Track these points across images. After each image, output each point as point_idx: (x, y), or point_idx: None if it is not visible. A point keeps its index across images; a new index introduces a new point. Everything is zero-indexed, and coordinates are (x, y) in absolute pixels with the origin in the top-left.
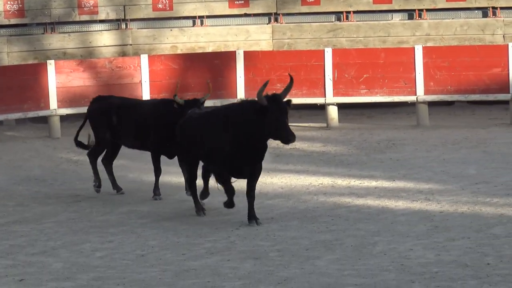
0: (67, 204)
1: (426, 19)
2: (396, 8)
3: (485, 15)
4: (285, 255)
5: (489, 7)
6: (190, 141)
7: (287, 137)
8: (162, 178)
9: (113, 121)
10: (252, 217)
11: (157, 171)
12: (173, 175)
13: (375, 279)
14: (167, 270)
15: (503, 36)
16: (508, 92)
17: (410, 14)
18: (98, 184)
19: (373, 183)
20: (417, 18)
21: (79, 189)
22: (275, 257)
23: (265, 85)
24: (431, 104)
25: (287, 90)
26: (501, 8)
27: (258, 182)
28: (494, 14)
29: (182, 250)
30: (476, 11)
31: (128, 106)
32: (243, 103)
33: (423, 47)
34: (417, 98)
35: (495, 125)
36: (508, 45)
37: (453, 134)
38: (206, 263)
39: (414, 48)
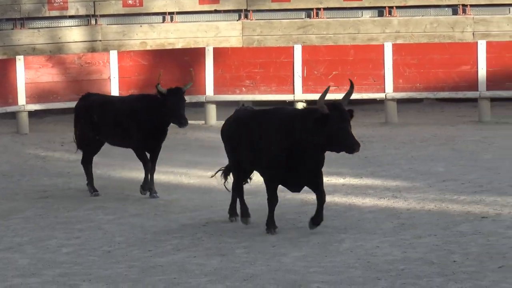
0: (34, 200)
1: (396, 16)
2: (366, 5)
3: (455, 12)
4: (252, 252)
5: (459, 4)
6: (238, 145)
7: (352, 146)
8: (129, 174)
9: (94, 118)
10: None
11: (146, 167)
12: (140, 171)
13: (341, 276)
14: (133, 266)
15: (473, 33)
16: (477, 90)
17: (380, 11)
18: (93, 190)
19: (341, 180)
20: (387, 15)
21: (46, 185)
22: (242, 254)
23: (326, 91)
24: (399, 101)
25: (347, 96)
26: (471, 5)
27: (219, 178)
28: (464, 11)
29: (149, 246)
30: (446, 9)
31: (109, 103)
32: (303, 110)
33: (392, 44)
34: (386, 95)
35: (463, 123)
36: (477, 42)
37: (422, 132)
38: (173, 259)
39: (383, 45)
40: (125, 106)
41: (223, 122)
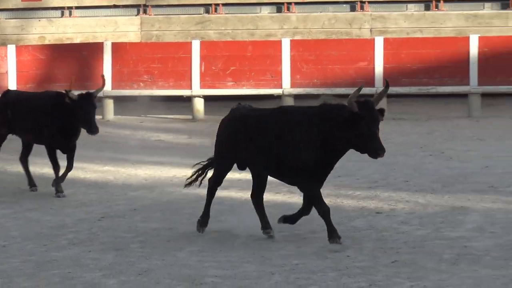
0: None
1: (294, 12)
2: (265, 1)
3: (353, 9)
4: (147, 247)
5: (357, 1)
6: (240, 144)
7: (377, 150)
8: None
9: (8, 114)
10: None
11: (55, 168)
12: (37, 165)
13: (235, 270)
14: (28, 260)
15: (370, 30)
16: (374, 86)
17: (279, 7)
18: (32, 184)
19: (237, 175)
20: (286, 11)
21: None
22: (137, 249)
23: (359, 89)
24: (297, 97)
25: (380, 96)
26: (369, 2)
27: (122, 173)
28: (362, 8)
29: (44, 241)
30: (344, 5)
31: (23, 99)
32: (331, 107)
33: (290, 40)
34: (283, 91)
35: None
36: (374, 39)
37: None
38: (68, 254)
39: (281, 41)
40: (39, 102)
41: (120, 116)
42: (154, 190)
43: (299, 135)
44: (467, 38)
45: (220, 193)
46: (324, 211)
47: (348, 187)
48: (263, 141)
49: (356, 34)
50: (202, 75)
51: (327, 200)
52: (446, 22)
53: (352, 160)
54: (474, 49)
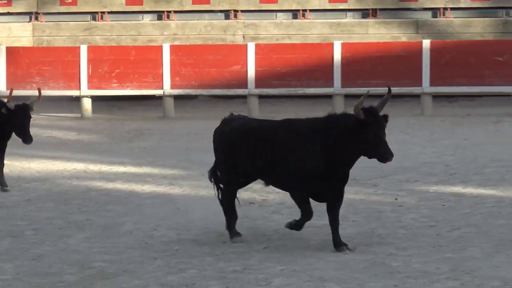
0: None
1: (173, 20)
2: (147, 9)
3: (227, 17)
4: (40, 234)
5: (231, 10)
6: (243, 154)
7: (385, 155)
8: None
9: None
10: (338, 243)
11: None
12: None
13: (121, 256)
14: None
15: (243, 36)
16: (246, 88)
17: (159, 15)
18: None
19: (122, 169)
20: (166, 19)
21: None
22: (31, 236)
23: (364, 96)
24: (176, 97)
25: (384, 102)
26: (242, 11)
27: (16, 166)
28: (236, 16)
29: None
30: (219, 14)
31: None
32: (335, 116)
33: (170, 45)
34: (164, 92)
35: None
36: (247, 44)
37: (196, 125)
38: None
39: (162, 46)
40: None
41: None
42: (46, 182)
43: (305, 148)
44: (331, 44)
45: (106, 184)
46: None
47: None
48: (269, 153)
49: (230, 40)
50: (90, 77)
51: (204, 192)
52: (312, 29)
53: None
54: (337, 55)
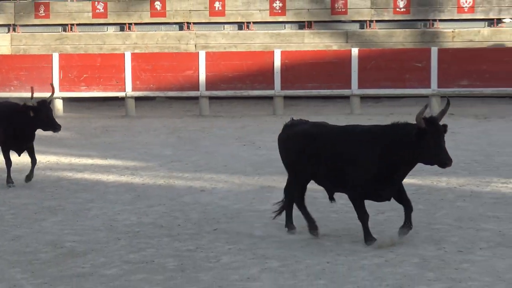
0: None
1: (134, 31)
2: (111, 22)
3: (181, 28)
4: (18, 218)
5: (184, 22)
6: (305, 159)
7: (445, 161)
8: None
9: None
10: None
11: (7, 163)
12: None
13: (89, 237)
14: None
15: (195, 45)
16: (198, 90)
17: (122, 26)
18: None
19: (90, 161)
20: (127, 30)
21: None
22: (10, 219)
23: (425, 107)
24: (137, 98)
25: (443, 113)
26: (194, 23)
27: None
28: (188, 28)
29: None
30: (174, 25)
31: None
32: (397, 125)
33: (131, 53)
34: (126, 94)
35: (187, 116)
36: (198, 52)
37: (154, 123)
38: None
39: (124, 54)
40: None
41: None
42: (23, 173)
43: (367, 154)
44: (272, 52)
45: (76, 175)
46: (364, 218)
47: (178, 170)
48: (331, 158)
49: (184, 49)
50: (61, 81)
51: (161, 181)
52: (255, 39)
53: (181, 149)
54: (277, 61)
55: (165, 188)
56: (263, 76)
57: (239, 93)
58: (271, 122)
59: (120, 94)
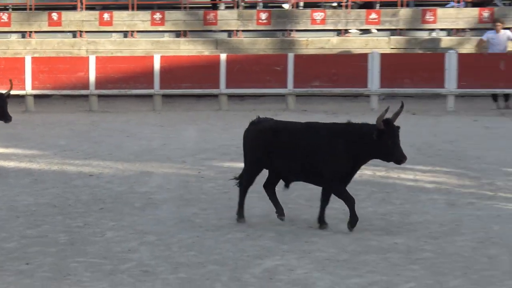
0: None
1: (34, 38)
2: (14, 30)
3: (74, 36)
4: None
5: (77, 30)
6: (272, 152)
7: (400, 158)
8: None
9: None
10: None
11: None
12: None
13: None
14: None
15: (86, 50)
16: (88, 89)
17: (23, 34)
18: None
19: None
20: (28, 37)
21: None
22: None
23: (385, 111)
24: (36, 96)
25: (397, 114)
26: (86, 31)
27: None
28: (81, 35)
29: None
30: (69, 33)
31: None
32: (356, 124)
33: (31, 57)
34: (26, 92)
35: (79, 111)
36: (89, 57)
37: (51, 117)
38: None
39: (25, 58)
40: None
41: None
42: None
43: (337, 151)
44: (152, 57)
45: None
46: (351, 202)
47: (70, 158)
48: (296, 153)
49: (77, 53)
50: None
51: (56, 167)
52: (138, 45)
53: (74, 140)
54: (157, 65)
55: (58, 173)
56: (145, 77)
57: (124, 91)
58: (151, 117)
59: (21, 92)
